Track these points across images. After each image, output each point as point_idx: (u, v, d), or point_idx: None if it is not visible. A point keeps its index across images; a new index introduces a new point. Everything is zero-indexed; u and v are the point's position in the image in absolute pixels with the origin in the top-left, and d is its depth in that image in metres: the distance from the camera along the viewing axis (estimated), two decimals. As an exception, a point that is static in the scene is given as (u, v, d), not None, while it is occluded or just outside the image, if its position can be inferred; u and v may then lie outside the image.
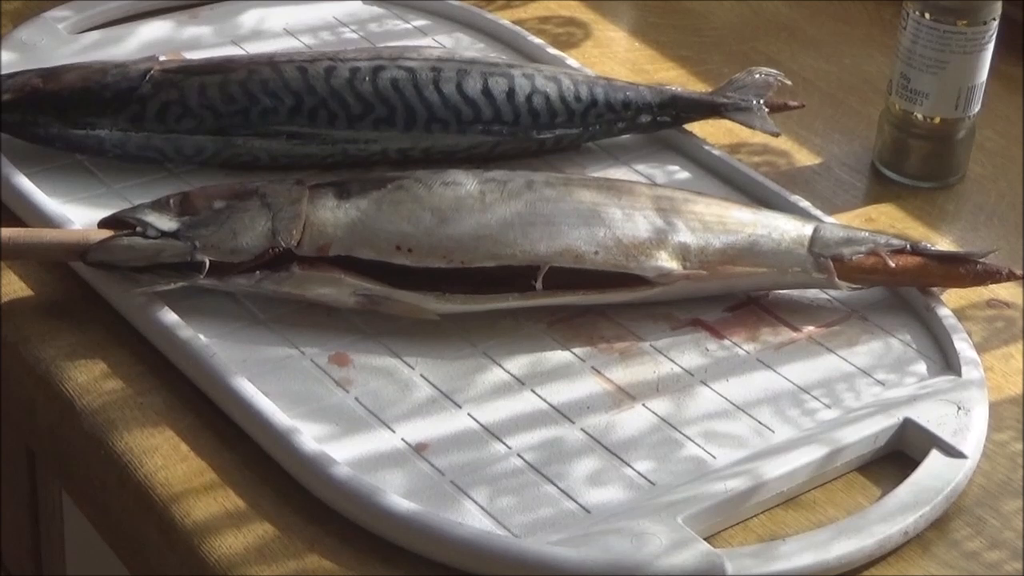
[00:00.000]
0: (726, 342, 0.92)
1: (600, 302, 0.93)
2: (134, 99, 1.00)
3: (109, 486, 0.84)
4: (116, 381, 0.88)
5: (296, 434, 0.82)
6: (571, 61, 1.14)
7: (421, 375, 0.88)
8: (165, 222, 0.91)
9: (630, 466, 0.83)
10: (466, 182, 0.93)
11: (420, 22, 1.19)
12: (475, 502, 0.81)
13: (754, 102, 1.08)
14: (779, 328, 0.93)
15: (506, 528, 0.79)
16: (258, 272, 0.90)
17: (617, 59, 1.20)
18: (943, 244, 1.02)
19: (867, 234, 0.95)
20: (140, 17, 1.17)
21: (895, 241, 0.95)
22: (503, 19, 1.19)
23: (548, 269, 0.90)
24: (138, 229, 0.91)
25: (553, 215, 0.92)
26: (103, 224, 0.92)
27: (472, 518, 0.80)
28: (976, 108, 1.07)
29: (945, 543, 0.82)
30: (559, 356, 0.90)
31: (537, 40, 1.16)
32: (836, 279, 0.93)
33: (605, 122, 1.06)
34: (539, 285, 0.90)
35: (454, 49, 1.15)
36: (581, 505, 0.81)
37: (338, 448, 0.82)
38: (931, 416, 0.86)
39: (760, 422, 0.87)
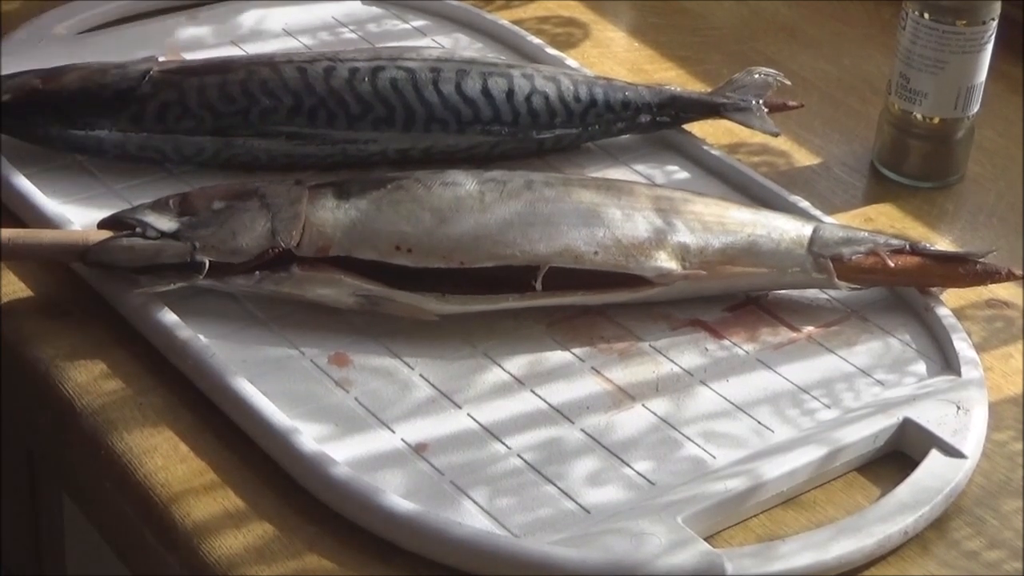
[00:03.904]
0: (725, 342, 0.92)
1: (600, 302, 0.93)
2: (133, 99, 1.00)
3: (109, 486, 0.84)
4: (116, 381, 0.88)
5: (296, 434, 0.82)
6: (570, 61, 1.14)
7: (421, 375, 0.88)
8: (165, 223, 0.91)
9: (630, 466, 0.83)
10: (465, 182, 0.93)
11: (419, 22, 1.19)
12: (475, 502, 0.81)
13: (753, 102, 1.08)
14: (778, 328, 0.93)
15: (506, 528, 0.79)
16: (258, 272, 0.90)
17: (616, 59, 1.20)
18: (942, 244, 1.02)
19: (866, 234, 0.95)
20: (140, 17, 1.17)
21: (894, 241, 0.95)
22: (502, 19, 1.19)
23: (547, 269, 0.90)
24: (138, 230, 0.91)
25: (552, 215, 0.92)
26: (103, 225, 0.92)
27: (472, 518, 0.80)
28: (975, 108, 1.07)
29: (945, 543, 0.82)
30: (559, 356, 0.90)
31: (536, 40, 1.16)
32: (835, 279, 0.93)
33: (604, 122, 1.06)
34: (539, 285, 0.90)
35: (453, 49, 1.15)
36: (581, 505, 0.81)
37: (338, 448, 0.82)
38: (931, 416, 0.86)
39: (760, 422, 0.87)
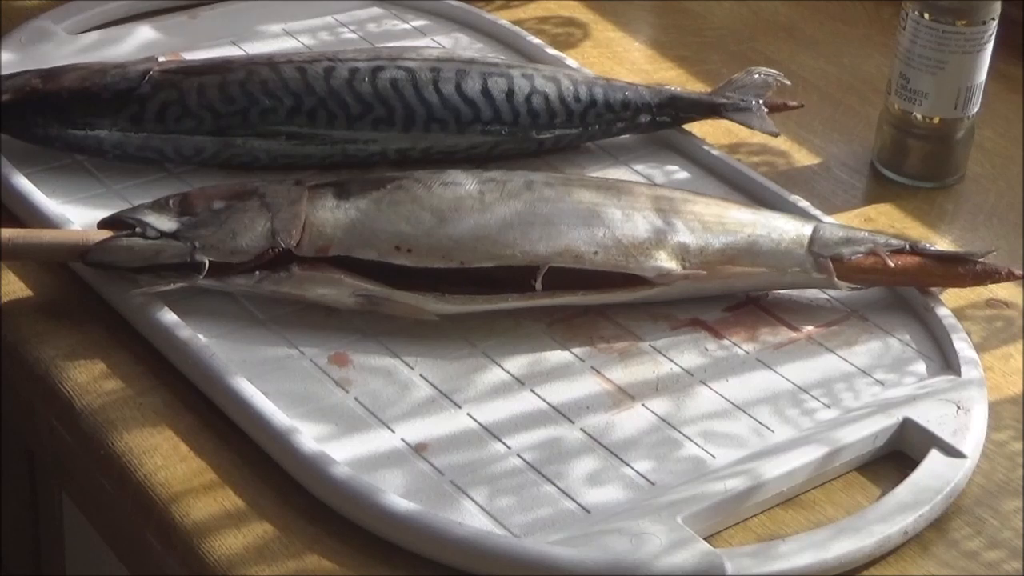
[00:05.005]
0: (725, 342, 0.92)
1: (599, 302, 0.93)
2: (133, 99, 1.01)
3: (108, 486, 0.84)
4: (115, 381, 0.88)
5: (296, 434, 0.82)
6: (570, 61, 1.14)
7: (420, 375, 0.88)
8: (164, 222, 0.91)
9: (629, 466, 0.83)
10: (465, 182, 0.93)
11: (419, 22, 1.19)
12: (475, 502, 0.81)
13: (753, 102, 1.08)
14: (778, 328, 0.93)
15: (506, 528, 0.79)
16: (258, 272, 0.90)
17: (616, 59, 1.20)
18: (942, 244, 1.02)
19: (866, 234, 0.95)
20: (140, 17, 1.17)
21: (894, 241, 0.95)
22: (502, 19, 1.19)
23: (547, 269, 0.90)
24: (137, 230, 0.91)
25: (552, 215, 0.92)
26: (102, 225, 0.92)
27: (472, 518, 0.80)
28: (975, 108, 1.07)
29: (944, 543, 0.82)
30: (558, 356, 0.90)
31: (536, 40, 1.16)
32: (835, 279, 0.93)
33: (604, 122, 1.06)
34: (539, 285, 0.90)
35: (453, 49, 1.15)
36: (580, 505, 0.81)
37: (337, 448, 0.83)
38: (930, 416, 0.87)
39: (759, 422, 0.87)
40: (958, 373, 0.90)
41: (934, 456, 0.85)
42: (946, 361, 0.91)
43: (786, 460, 0.83)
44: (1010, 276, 0.95)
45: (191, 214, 0.92)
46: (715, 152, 1.07)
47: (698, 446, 0.85)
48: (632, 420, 0.86)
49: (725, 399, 0.88)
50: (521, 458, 0.83)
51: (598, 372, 0.89)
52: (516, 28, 1.18)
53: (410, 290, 0.90)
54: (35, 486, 1.05)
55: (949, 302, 0.95)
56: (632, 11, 1.27)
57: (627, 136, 1.08)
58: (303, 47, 1.15)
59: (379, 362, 0.89)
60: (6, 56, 1.10)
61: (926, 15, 1.04)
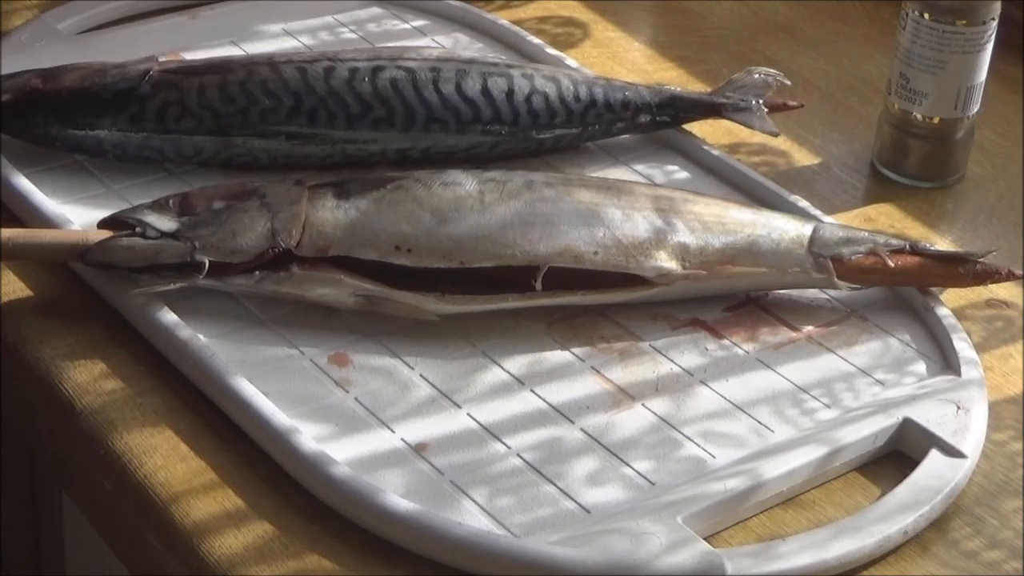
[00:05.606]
0: (725, 342, 0.92)
1: (599, 302, 0.93)
2: (133, 99, 1.01)
3: (109, 486, 0.84)
4: (115, 381, 0.88)
5: (295, 434, 0.82)
6: (570, 61, 1.14)
7: (420, 375, 0.88)
8: (164, 222, 0.91)
9: (629, 466, 0.83)
10: (465, 182, 0.93)
11: (419, 22, 1.19)
12: (474, 502, 0.81)
13: (753, 102, 1.08)
14: (778, 328, 0.93)
15: (505, 528, 0.79)
16: (258, 272, 0.90)
17: (616, 59, 1.20)
18: (942, 244, 1.02)
19: (866, 234, 0.95)
20: (140, 17, 1.17)
21: (894, 241, 0.95)
22: (502, 19, 1.19)
23: (547, 269, 0.90)
24: (137, 230, 0.91)
25: (552, 215, 0.92)
26: (102, 224, 0.92)
27: (471, 518, 0.80)
28: (975, 108, 1.07)
29: (944, 543, 0.82)
30: (558, 356, 0.90)
31: (536, 40, 1.16)
32: (835, 279, 0.93)
33: (604, 122, 1.06)
34: (539, 285, 0.90)
35: (453, 49, 1.15)
36: (580, 505, 0.81)
37: (337, 448, 0.83)
38: (930, 416, 0.87)
39: (759, 422, 0.87)
40: (958, 373, 0.90)
41: (934, 456, 0.85)
42: (946, 361, 0.91)
43: (786, 460, 0.83)
44: (1010, 276, 0.95)
45: (191, 214, 0.92)
46: (715, 152, 1.07)
47: (698, 446, 0.85)
48: (632, 420, 0.86)
49: (725, 399, 0.88)
50: (521, 458, 0.83)
51: (598, 372, 0.89)
52: (516, 28, 1.18)
53: (410, 290, 0.90)
54: (35, 486, 1.05)
55: (949, 302, 0.95)
56: (632, 11, 1.27)
57: (627, 136, 1.08)
58: (303, 47, 1.15)
59: (379, 362, 0.89)
60: (6, 56, 1.10)
61: (926, 15, 1.04)
